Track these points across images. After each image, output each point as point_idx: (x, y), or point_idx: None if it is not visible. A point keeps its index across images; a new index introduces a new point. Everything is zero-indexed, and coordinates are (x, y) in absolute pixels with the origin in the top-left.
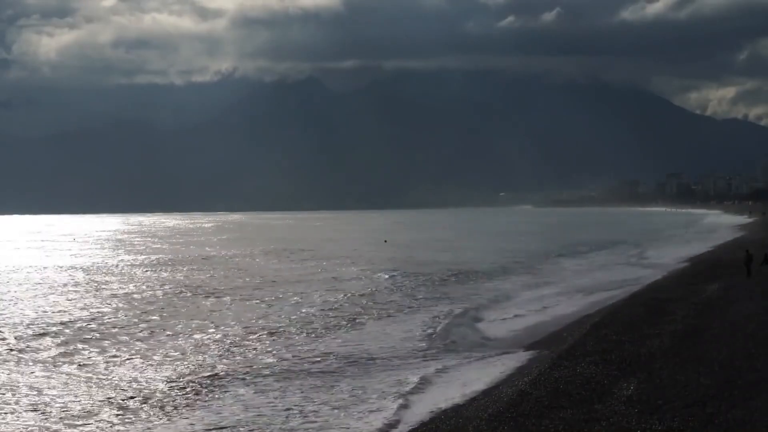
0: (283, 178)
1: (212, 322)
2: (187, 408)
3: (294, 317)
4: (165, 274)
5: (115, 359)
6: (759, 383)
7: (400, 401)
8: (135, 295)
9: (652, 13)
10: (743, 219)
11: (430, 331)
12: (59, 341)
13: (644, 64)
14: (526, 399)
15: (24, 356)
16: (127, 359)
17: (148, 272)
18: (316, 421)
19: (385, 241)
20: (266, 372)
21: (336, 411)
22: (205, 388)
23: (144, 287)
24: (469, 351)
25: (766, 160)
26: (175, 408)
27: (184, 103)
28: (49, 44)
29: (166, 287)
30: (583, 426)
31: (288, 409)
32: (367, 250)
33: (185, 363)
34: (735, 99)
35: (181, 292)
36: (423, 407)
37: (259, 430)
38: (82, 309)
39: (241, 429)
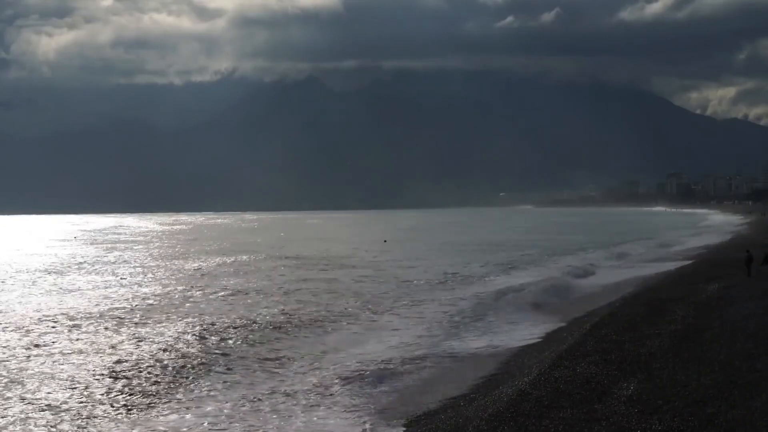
0: (283, 178)
1: None
2: None
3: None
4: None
5: None
6: (759, 383)
7: None
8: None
9: (651, 13)
10: (743, 219)
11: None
12: None
13: (644, 64)
14: (526, 399)
15: None
16: None
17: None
18: None
19: (385, 241)
20: None
21: None
22: None
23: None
24: None
25: (766, 160)
26: None
27: (184, 103)
28: (48, 44)
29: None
30: (583, 426)
31: None
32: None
33: None
34: (735, 99)
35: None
36: None
37: None
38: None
39: None
